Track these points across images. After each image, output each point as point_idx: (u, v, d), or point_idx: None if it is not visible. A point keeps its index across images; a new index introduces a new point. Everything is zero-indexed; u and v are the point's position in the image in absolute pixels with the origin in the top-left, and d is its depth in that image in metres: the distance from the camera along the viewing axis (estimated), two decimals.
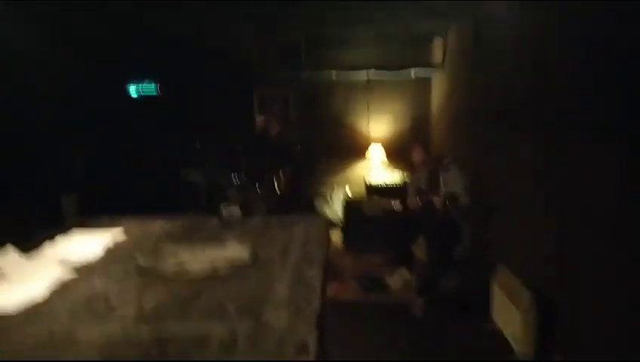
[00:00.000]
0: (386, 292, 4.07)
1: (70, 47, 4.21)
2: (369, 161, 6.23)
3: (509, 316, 3.03)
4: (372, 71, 5.87)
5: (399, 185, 5.81)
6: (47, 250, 2.60)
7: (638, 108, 2.07)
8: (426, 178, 4.30)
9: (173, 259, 2.36)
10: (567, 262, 2.76)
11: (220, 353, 1.55)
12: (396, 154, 6.13)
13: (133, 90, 5.74)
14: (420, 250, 4.33)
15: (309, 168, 6.29)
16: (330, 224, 4.55)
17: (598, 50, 2.38)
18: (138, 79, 5.73)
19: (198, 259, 2.37)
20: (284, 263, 2.38)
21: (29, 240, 2.71)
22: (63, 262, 2.41)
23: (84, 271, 2.32)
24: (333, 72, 5.88)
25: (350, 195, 6.03)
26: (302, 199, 6.06)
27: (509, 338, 3.08)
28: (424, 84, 6.11)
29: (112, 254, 2.58)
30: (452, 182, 4.01)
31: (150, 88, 5.81)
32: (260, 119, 6.36)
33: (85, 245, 2.69)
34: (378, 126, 6.33)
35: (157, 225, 3.16)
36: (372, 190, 5.96)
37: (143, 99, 5.81)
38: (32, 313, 1.87)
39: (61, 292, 2.08)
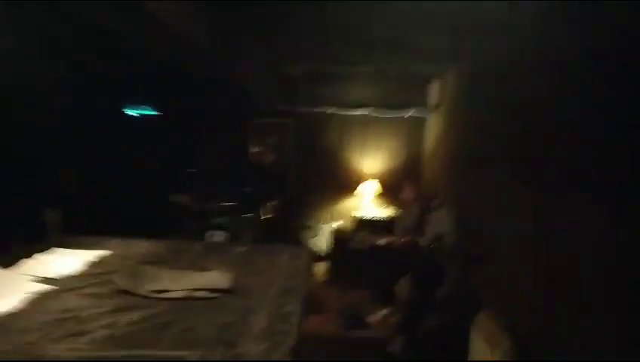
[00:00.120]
0: (366, 329, 4.02)
1: (66, 62, 4.26)
2: (360, 195, 6.25)
3: (486, 360, 3.00)
4: (369, 109, 5.97)
5: (389, 221, 5.82)
6: (25, 265, 2.56)
7: (637, 162, 2.08)
8: (414, 216, 4.32)
9: (151, 282, 2.33)
10: (553, 312, 2.75)
11: None
12: (388, 190, 6.16)
13: (130, 110, 5.79)
14: (403, 288, 4.31)
15: (300, 199, 6.30)
16: (316, 256, 4.52)
17: (598, 95, 2.42)
18: (136, 103, 5.78)
19: (178, 283, 2.35)
20: (264, 294, 2.36)
21: (6, 254, 2.67)
22: (39, 278, 2.38)
23: (60, 288, 2.28)
24: (330, 108, 5.98)
25: (339, 229, 6.01)
26: (290, 229, 6.04)
27: None
28: (419, 123, 6.21)
29: (91, 273, 2.54)
30: (440, 222, 4.02)
31: (147, 110, 5.86)
32: (254, 148, 6.41)
33: (65, 262, 2.65)
34: (372, 161, 6.39)
35: (141, 247, 3.14)
36: (361, 225, 5.96)
37: (141, 118, 5.85)
38: (0, 326, 1.83)
39: (33, 307, 2.04)
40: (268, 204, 5.43)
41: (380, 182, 6.24)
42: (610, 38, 2.32)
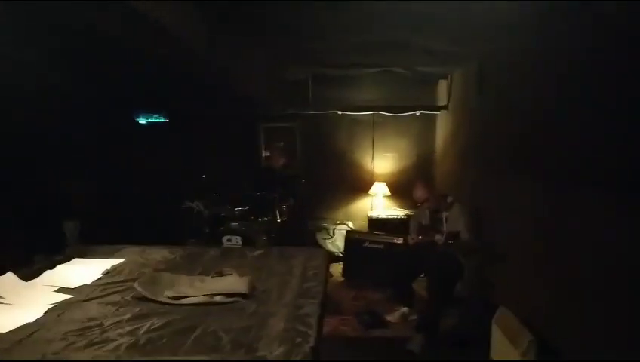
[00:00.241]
0: (385, 328, 4.02)
1: (77, 73, 4.32)
2: (372, 196, 6.25)
3: (509, 357, 2.98)
4: (378, 110, 5.95)
5: (402, 220, 5.81)
6: (47, 276, 2.61)
7: None
8: (428, 215, 4.30)
9: (170, 289, 2.36)
10: (569, 304, 2.74)
11: None
12: (400, 189, 6.15)
13: (142, 119, 5.86)
14: (420, 286, 4.30)
15: (313, 201, 6.32)
16: (331, 257, 4.52)
17: (606, 94, 2.41)
18: (148, 112, 5.85)
19: (196, 289, 2.38)
20: (281, 297, 2.37)
21: (29, 267, 2.73)
22: (61, 288, 2.43)
23: (82, 298, 2.32)
24: (339, 111, 5.97)
25: (352, 229, 6.02)
26: (304, 232, 6.06)
27: None
28: (429, 121, 6.19)
29: (111, 282, 2.59)
30: (454, 220, 4.01)
31: (159, 118, 5.93)
32: (265, 153, 6.45)
33: (85, 272, 2.70)
34: (382, 161, 6.38)
35: (158, 254, 3.18)
36: (375, 224, 5.96)
37: (151, 126, 5.92)
38: (26, 336, 1.87)
39: (57, 317, 2.08)
40: (281, 207, 5.45)
41: (392, 181, 6.23)
42: (610, 37, 2.31)
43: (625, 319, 2.22)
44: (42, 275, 2.61)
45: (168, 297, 2.28)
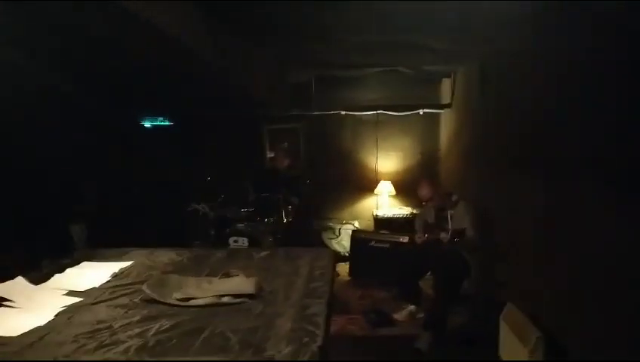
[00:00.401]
0: (392, 326, 4.02)
1: (82, 76, 4.35)
2: (377, 195, 6.26)
3: (517, 354, 2.98)
4: (381, 109, 5.95)
5: (407, 219, 5.81)
6: (56, 280, 2.64)
7: None
8: (433, 214, 4.30)
9: (178, 291, 2.38)
10: (577, 301, 2.73)
11: None
12: (405, 188, 6.15)
13: (146, 122, 5.89)
14: (427, 284, 4.30)
15: (318, 201, 6.33)
16: (337, 257, 4.53)
17: (609, 91, 2.41)
18: (152, 115, 5.88)
19: (203, 290, 2.40)
20: (288, 297, 2.39)
21: (37, 270, 2.75)
22: (70, 292, 2.45)
23: (91, 301, 2.35)
24: (343, 111, 5.98)
25: (358, 228, 6.03)
26: (310, 232, 6.07)
27: None
28: (433, 119, 6.19)
29: (120, 284, 2.61)
30: (460, 218, 4.00)
31: (163, 122, 5.96)
32: (270, 154, 6.48)
33: (93, 275, 2.73)
34: (387, 161, 6.38)
35: (165, 256, 3.20)
36: (380, 224, 5.97)
37: (155, 130, 5.95)
38: (37, 339, 1.90)
39: (67, 320, 2.11)
40: (286, 207, 5.47)
41: (397, 180, 6.23)
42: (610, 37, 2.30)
43: (632, 317, 2.22)
44: (51, 279, 2.64)
45: (176, 299, 2.30)
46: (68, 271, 2.80)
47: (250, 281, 2.48)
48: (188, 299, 2.30)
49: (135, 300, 2.34)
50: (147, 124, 5.90)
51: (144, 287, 2.40)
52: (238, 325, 2.00)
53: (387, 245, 5.19)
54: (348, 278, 5.33)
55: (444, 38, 3.71)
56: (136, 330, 1.97)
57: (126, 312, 2.19)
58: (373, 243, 5.30)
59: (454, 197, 4.17)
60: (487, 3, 2.76)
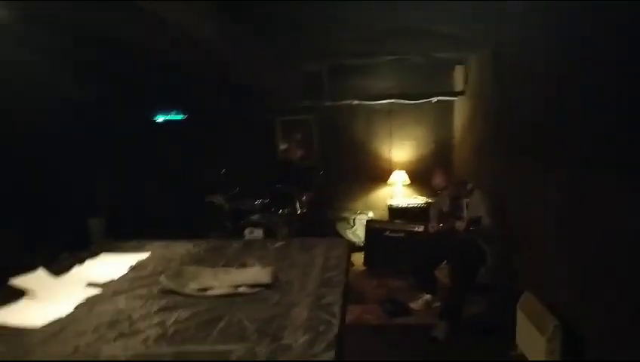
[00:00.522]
0: (409, 315, 4.02)
1: (96, 74, 4.40)
2: (392, 185, 6.23)
3: (534, 342, 2.96)
4: (394, 100, 5.91)
5: (422, 208, 5.79)
6: (76, 272, 2.69)
7: None
8: (448, 202, 4.28)
9: (195, 281, 2.41)
10: (594, 289, 2.70)
11: None
12: (419, 177, 6.12)
13: (160, 116, 5.95)
14: (443, 274, 4.28)
15: (333, 192, 6.33)
16: (352, 247, 4.54)
17: (622, 77, 2.36)
18: (166, 109, 5.93)
19: (220, 280, 2.42)
20: (304, 286, 2.40)
21: (56, 263, 2.80)
22: (90, 283, 2.50)
23: (110, 292, 2.39)
24: (355, 101, 5.95)
25: (373, 218, 6.02)
26: (324, 222, 6.08)
27: None
28: (447, 107, 6.12)
29: (138, 276, 2.65)
30: (475, 206, 3.97)
31: (177, 116, 6.01)
32: (283, 146, 6.49)
33: (112, 267, 2.77)
34: (400, 150, 6.35)
35: (182, 248, 3.23)
36: (395, 213, 5.95)
37: (169, 124, 6.00)
38: (59, 330, 1.94)
39: (87, 311, 2.15)
40: (300, 198, 5.48)
41: (411, 169, 6.20)
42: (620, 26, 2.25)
43: None
44: (71, 271, 2.68)
45: (194, 289, 2.32)
46: (87, 263, 2.84)
47: (267, 271, 2.49)
48: (205, 290, 2.32)
49: (153, 291, 2.37)
50: (160, 118, 5.95)
51: (162, 278, 2.43)
52: (255, 314, 2.02)
53: (402, 234, 5.18)
54: (363, 268, 5.34)
55: (456, 25, 3.67)
56: (155, 320, 2.00)
57: (144, 303, 2.22)
58: (387, 232, 5.29)
59: (469, 186, 4.14)
60: None
